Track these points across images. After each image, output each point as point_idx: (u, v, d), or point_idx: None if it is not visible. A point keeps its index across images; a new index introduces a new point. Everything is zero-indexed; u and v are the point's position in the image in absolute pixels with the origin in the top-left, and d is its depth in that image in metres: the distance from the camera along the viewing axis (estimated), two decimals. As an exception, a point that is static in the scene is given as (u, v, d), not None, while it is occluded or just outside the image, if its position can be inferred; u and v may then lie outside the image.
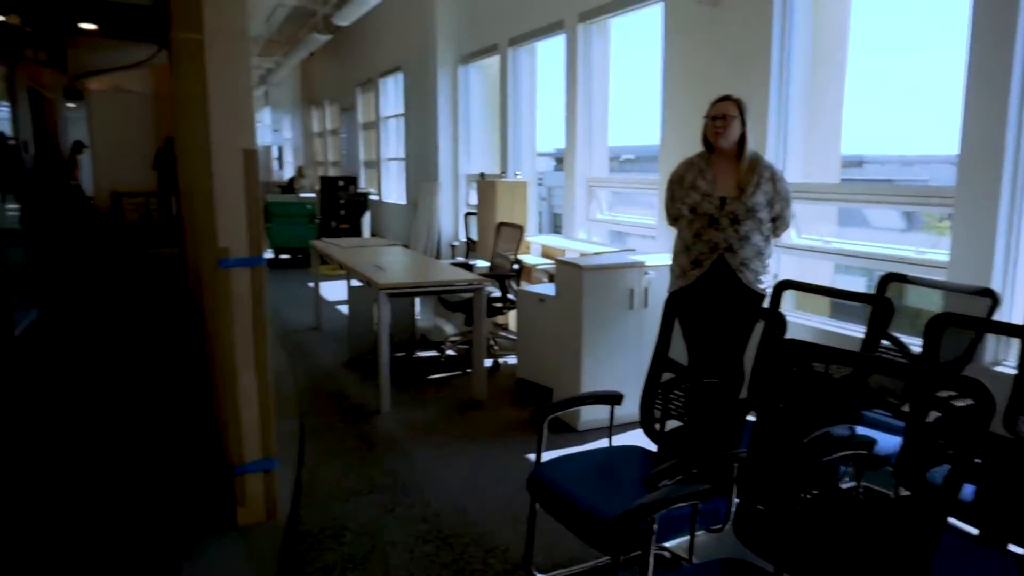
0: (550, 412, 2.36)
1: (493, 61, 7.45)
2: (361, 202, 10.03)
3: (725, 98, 3.04)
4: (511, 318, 5.54)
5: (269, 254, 9.78)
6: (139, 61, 10.49)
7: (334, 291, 7.30)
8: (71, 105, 12.64)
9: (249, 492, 2.78)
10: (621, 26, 5.62)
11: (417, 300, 5.63)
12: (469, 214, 7.72)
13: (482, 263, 5.85)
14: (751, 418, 2.04)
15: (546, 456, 2.32)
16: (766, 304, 3.07)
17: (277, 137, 17.98)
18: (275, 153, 17.52)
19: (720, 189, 3.01)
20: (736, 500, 1.94)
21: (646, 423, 2.45)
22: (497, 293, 5.00)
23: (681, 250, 3.14)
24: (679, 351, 2.61)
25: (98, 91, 14.48)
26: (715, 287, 3.01)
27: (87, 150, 12.12)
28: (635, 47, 5.82)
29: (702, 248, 3.03)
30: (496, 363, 5.02)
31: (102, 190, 12.91)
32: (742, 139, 3.02)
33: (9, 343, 5.22)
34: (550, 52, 6.61)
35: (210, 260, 3.15)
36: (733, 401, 2.24)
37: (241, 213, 2.70)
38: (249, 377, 2.76)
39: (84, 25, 7.98)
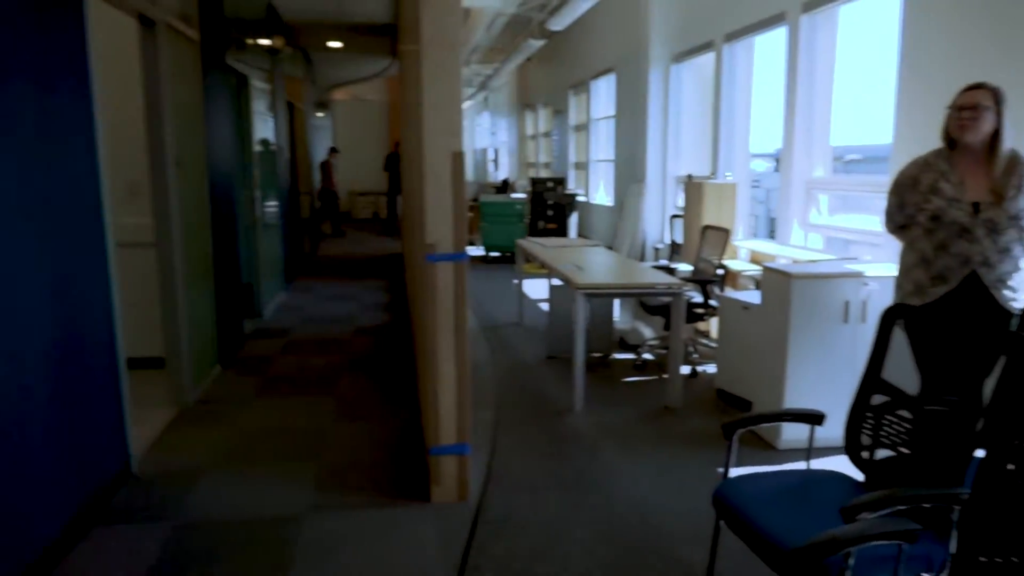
0: (742, 425, 2.24)
1: (707, 59, 7.20)
2: (569, 203, 10.22)
3: (978, 86, 2.65)
4: (713, 325, 5.33)
5: (480, 251, 10.32)
6: (375, 73, 11.61)
7: (537, 289, 7.52)
8: (319, 115, 14.28)
9: (443, 472, 2.96)
10: (849, 12, 5.15)
11: (616, 302, 5.61)
12: (675, 216, 7.54)
13: (685, 267, 5.68)
14: (979, 453, 1.77)
15: (737, 472, 2.20)
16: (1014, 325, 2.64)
17: (494, 140, 18.87)
18: (491, 155, 18.41)
19: (970, 193, 2.63)
20: (954, 547, 1.70)
21: (851, 449, 2.23)
22: (699, 298, 4.83)
23: (915, 263, 2.78)
24: (895, 372, 2.34)
25: (341, 101, 16.22)
26: (963, 306, 2.62)
27: (338, 154, 13.61)
28: (865, 35, 5.30)
29: (949, 262, 2.66)
30: (694, 371, 4.85)
31: (341, 190, 14.43)
32: (996, 135, 2.62)
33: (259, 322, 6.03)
34: (768, 47, 6.24)
35: (419, 254, 3.40)
36: (964, 434, 1.96)
37: (448, 212, 2.88)
38: (449, 365, 2.94)
39: (331, 44, 8.98)
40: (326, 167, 12.92)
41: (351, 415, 4.03)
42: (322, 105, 14.29)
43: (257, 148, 6.37)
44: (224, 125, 5.11)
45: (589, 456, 3.51)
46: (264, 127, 6.78)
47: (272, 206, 7.05)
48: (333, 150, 13.51)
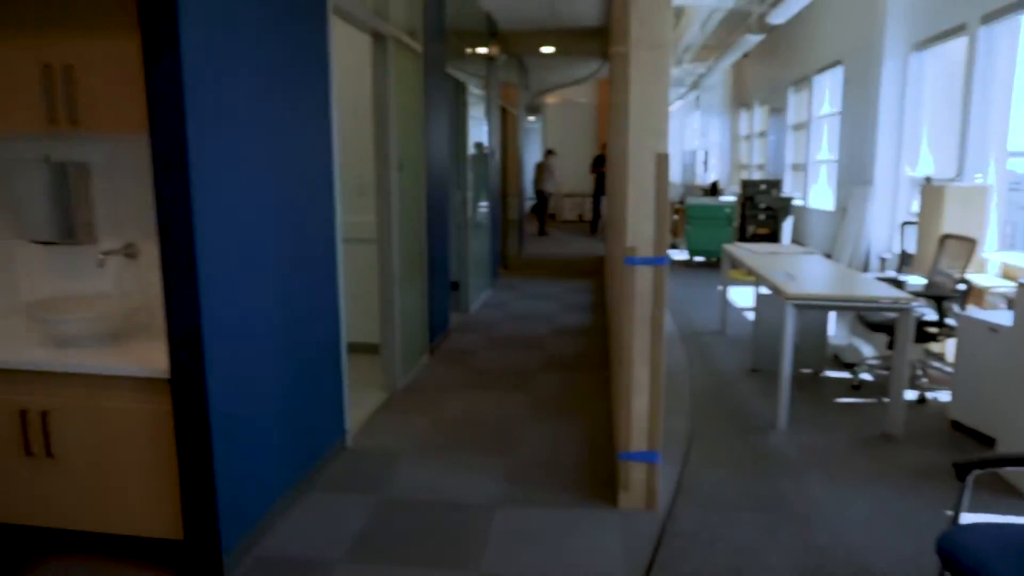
0: (981, 466, 1.94)
1: (956, 44, 6.35)
2: (783, 207, 9.59)
3: None
4: (948, 347, 4.69)
5: (684, 255, 10.03)
6: (585, 76, 11.74)
7: (743, 297, 7.15)
8: (530, 118, 14.75)
9: (632, 479, 2.91)
10: None
11: (832, 315, 5.16)
12: (907, 223, 6.76)
13: (916, 280, 5.07)
14: None
15: (970, 518, 1.92)
16: None
17: (704, 141, 18.25)
18: (701, 157, 17.83)
19: None
20: None
21: None
22: (932, 316, 4.28)
23: None
24: None
25: (551, 105, 16.61)
26: None
27: (554, 156, 13.99)
28: None
29: None
30: (922, 396, 4.31)
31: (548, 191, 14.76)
32: None
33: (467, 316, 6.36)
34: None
35: (619, 257, 3.37)
36: None
37: (650, 214, 2.82)
38: (643, 370, 2.88)
39: (544, 49, 9.24)
40: (541, 169, 13.32)
41: (545, 412, 4.11)
42: (533, 109, 14.75)
43: (471, 152, 6.73)
44: (442, 130, 5.46)
45: (791, 479, 3.26)
46: (478, 131, 7.14)
47: (482, 207, 7.42)
48: (549, 152, 13.87)
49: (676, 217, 11.74)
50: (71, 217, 2.79)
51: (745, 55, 12.12)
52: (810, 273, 4.62)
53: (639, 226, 2.84)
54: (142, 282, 2.89)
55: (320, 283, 3.23)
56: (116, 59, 2.43)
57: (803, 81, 10.64)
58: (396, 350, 4.37)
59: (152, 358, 2.46)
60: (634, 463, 2.91)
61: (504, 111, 9.03)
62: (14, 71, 2.50)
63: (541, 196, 13.48)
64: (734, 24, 10.48)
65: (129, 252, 2.87)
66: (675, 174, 17.33)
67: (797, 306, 3.83)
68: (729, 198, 10.43)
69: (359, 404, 4.07)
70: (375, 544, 2.68)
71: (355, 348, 5.05)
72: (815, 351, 4.89)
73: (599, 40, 9.06)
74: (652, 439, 2.90)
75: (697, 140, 18.14)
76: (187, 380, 2.31)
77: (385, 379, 4.39)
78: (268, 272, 2.72)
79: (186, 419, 2.34)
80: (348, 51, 4.83)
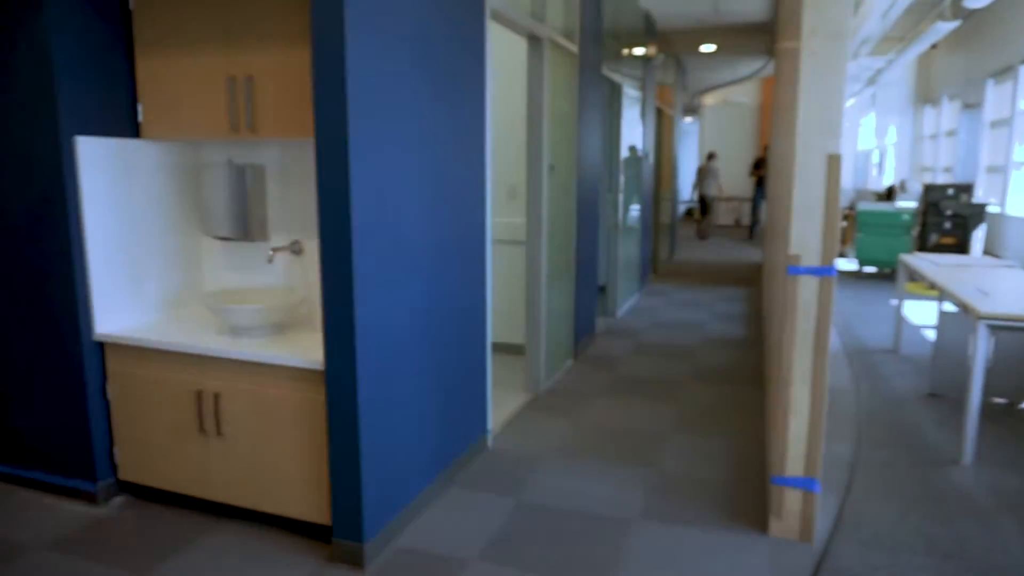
0: None
1: None
2: (974, 214, 8.57)
3: None
4: None
5: (852, 265, 9.27)
6: (748, 74, 11.18)
7: (921, 313, 6.46)
8: (687, 120, 14.30)
9: (785, 506, 2.69)
10: None
11: (1033, 338, 4.51)
12: None
13: None
14: None
15: None
16: None
17: (880, 141, 16.80)
18: (875, 159, 16.44)
19: None
20: None
21: None
22: None
23: None
24: None
25: (709, 105, 16.04)
26: None
27: (717, 158, 13.52)
28: None
29: None
30: None
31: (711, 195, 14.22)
32: None
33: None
34: None
35: (780, 265, 3.14)
36: None
37: (817, 220, 2.59)
38: (803, 389, 2.65)
39: (705, 48, 8.89)
40: (702, 172, 12.94)
41: (691, 425, 3.92)
42: (690, 110, 14.29)
43: (624, 154, 6.61)
44: (595, 132, 5.39)
45: (977, 523, 2.87)
46: (632, 133, 7.00)
47: (633, 210, 7.27)
48: (711, 155, 13.43)
49: (845, 224, 10.89)
50: (248, 216, 3.02)
51: (933, 45, 10.99)
52: (1008, 289, 4.07)
53: (805, 233, 2.62)
54: (306, 277, 3.08)
55: (469, 283, 3.28)
56: (288, 69, 2.59)
57: (1006, 71, 9.47)
58: (540, 352, 4.36)
59: (310, 349, 2.61)
60: (789, 489, 2.69)
61: (660, 112, 8.79)
62: (205, 82, 2.74)
63: (703, 200, 13.09)
64: (922, 11, 9.53)
65: (295, 249, 3.07)
66: (846, 178, 16.10)
67: (992, 327, 3.37)
68: (908, 203, 9.49)
69: (502, 404, 4.10)
70: (509, 547, 2.67)
71: (500, 348, 5.11)
72: (1012, 378, 4.30)
73: (764, 36, 8.59)
74: (810, 465, 2.66)
75: (872, 140, 16.75)
76: (339, 372, 2.42)
77: (528, 381, 4.39)
78: (419, 271, 2.79)
79: (337, 409, 2.45)
80: (504, 53, 4.90)
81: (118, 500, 2.98)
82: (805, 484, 2.66)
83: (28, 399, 2.97)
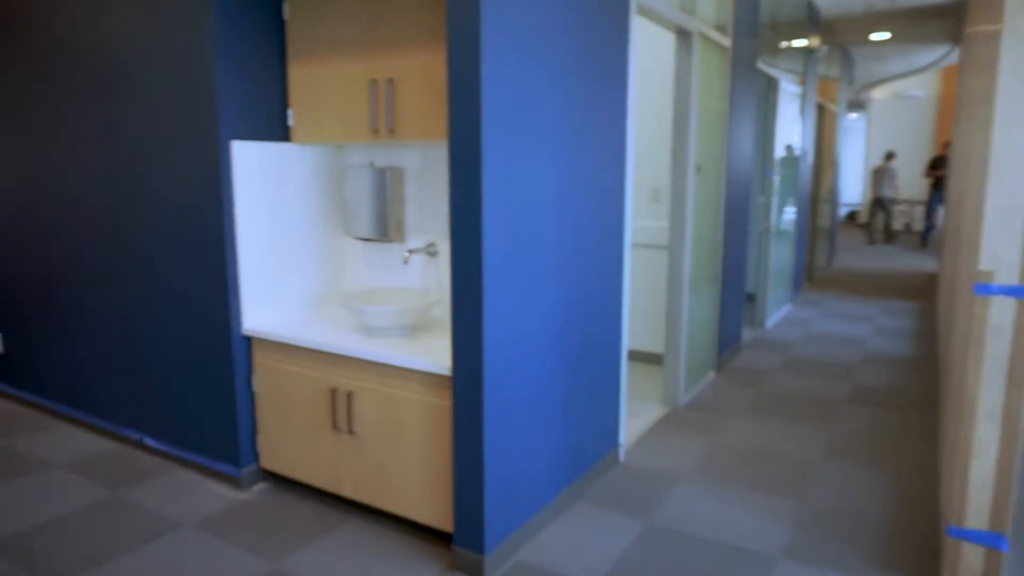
0: None
1: None
2: None
3: None
4: None
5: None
6: (927, 64, 10.11)
7: None
8: (852, 116, 13.19)
9: (963, 563, 2.32)
10: None
11: None
12: None
13: None
14: None
15: None
16: None
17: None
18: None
19: None
20: None
21: None
22: None
23: None
24: None
25: (877, 100, 14.71)
26: None
27: (896, 158, 12.44)
28: None
29: None
30: None
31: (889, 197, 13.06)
32: None
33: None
34: None
35: (965, 280, 2.73)
36: None
37: (1017, 231, 2.21)
38: (990, 429, 2.27)
39: (876, 36, 8.11)
40: (879, 173, 11.95)
41: (845, 453, 3.54)
42: (855, 105, 13.17)
43: (779, 153, 6.16)
44: (747, 131, 5.05)
45: None
46: (789, 131, 6.51)
47: (788, 213, 6.77)
48: (889, 155, 12.36)
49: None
50: (387, 217, 3.06)
51: None
52: None
53: (999, 245, 2.24)
54: (440, 280, 3.07)
55: (604, 289, 3.14)
56: (428, 71, 2.57)
57: None
58: (681, 363, 4.12)
59: (440, 353, 2.58)
60: (968, 544, 2.31)
61: (821, 108, 8.14)
62: (349, 86, 2.79)
63: (880, 203, 12.06)
64: None
65: (431, 251, 3.07)
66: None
67: None
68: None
69: (636, 416, 3.91)
70: (636, 573, 2.50)
71: (637, 356, 4.90)
72: None
73: (949, 20, 7.69)
74: (998, 518, 2.28)
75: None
76: (466, 378, 2.36)
77: (666, 393, 4.17)
78: (551, 276, 2.68)
79: (463, 416, 2.40)
80: (649, 49, 4.68)
81: (260, 486, 3.12)
82: (990, 540, 2.28)
83: (184, 385, 3.18)
